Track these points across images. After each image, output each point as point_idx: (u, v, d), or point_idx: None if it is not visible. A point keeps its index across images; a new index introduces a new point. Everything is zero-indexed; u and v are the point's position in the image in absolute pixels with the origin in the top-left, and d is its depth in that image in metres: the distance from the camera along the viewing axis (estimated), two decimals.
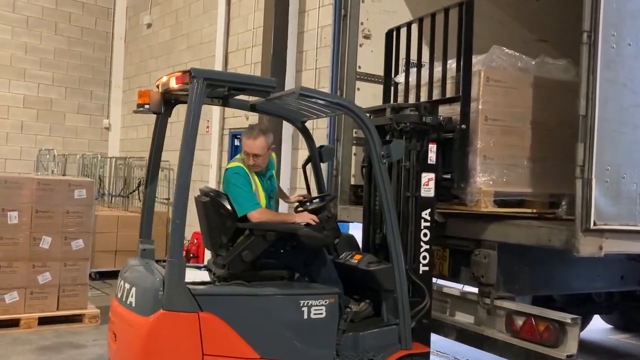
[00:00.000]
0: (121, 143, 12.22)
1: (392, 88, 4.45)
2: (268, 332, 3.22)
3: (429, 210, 3.65)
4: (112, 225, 8.26)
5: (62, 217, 5.76)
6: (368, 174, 3.94)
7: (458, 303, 3.99)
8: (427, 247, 3.65)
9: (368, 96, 5.03)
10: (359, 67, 4.92)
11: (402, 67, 4.42)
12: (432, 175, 3.67)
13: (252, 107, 3.85)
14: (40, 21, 11.89)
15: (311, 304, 3.29)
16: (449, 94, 3.85)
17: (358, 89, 4.93)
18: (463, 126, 3.67)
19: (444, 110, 3.82)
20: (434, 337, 3.80)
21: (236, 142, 8.94)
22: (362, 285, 3.69)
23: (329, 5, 6.91)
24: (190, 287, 3.12)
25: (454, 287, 4.12)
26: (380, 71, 4.78)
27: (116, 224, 8.30)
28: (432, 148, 3.68)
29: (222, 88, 3.40)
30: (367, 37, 4.93)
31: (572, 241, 3.18)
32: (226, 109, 8.90)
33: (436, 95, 3.98)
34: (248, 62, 8.64)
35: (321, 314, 3.31)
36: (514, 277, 3.75)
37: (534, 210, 3.86)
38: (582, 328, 4.48)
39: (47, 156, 10.72)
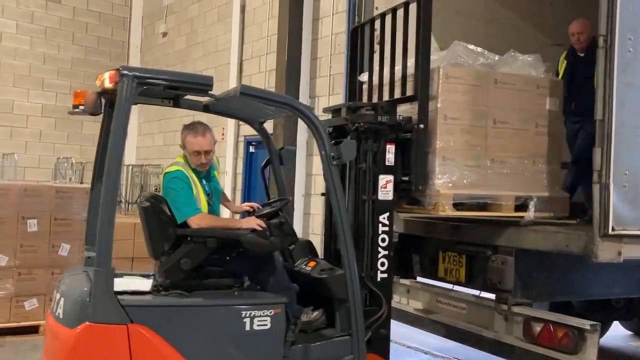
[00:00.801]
0: (137, 151, 12.34)
1: (358, 87, 4.27)
2: (207, 345, 3.03)
3: (387, 214, 3.50)
4: (129, 232, 8.29)
5: (80, 225, 5.80)
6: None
7: (474, 309, 3.96)
8: (386, 252, 3.49)
9: None
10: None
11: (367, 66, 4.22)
12: (390, 178, 3.50)
13: (206, 108, 3.64)
14: (58, 31, 12.07)
15: (254, 314, 3.09)
16: (410, 92, 3.69)
17: None
18: (421, 126, 3.50)
19: (405, 110, 3.66)
20: (453, 344, 3.77)
21: (251, 149, 8.99)
22: (316, 293, 3.52)
23: (342, 12, 6.94)
24: (121, 297, 2.93)
25: (470, 293, 4.09)
26: None
27: (133, 231, 8.34)
28: (390, 149, 3.52)
29: (155, 87, 3.17)
30: (380, 44, 4.93)
31: (590, 247, 3.15)
32: None
33: (398, 95, 3.81)
34: (263, 69, 8.69)
35: (266, 325, 3.11)
36: (532, 283, 3.70)
37: (500, 214, 3.70)
38: (602, 334, 4.42)
39: (65, 164, 10.86)
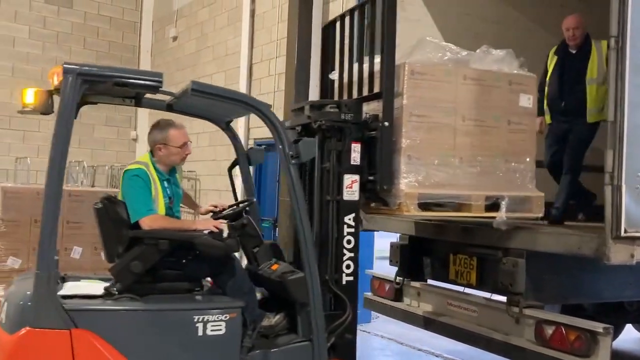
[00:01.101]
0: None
1: (329, 86, 4.17)
2: (157, 351, 2.94)
3: (352, 215, 3.41)
4: None
5: (92, 228, 5.85)
6: (302, 179, 3.64)
7: (485, 312, 3.94)
8: (352, 255, 3.41)
9: None
10: None
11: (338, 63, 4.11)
12: (355, 177, 3.41)
13: (169, 107, 3.54)
14: (69, 36, 12.18)
15: (207, 319, 2.99)
16: (377, 90, 3.58)
17: None
18: (386, 123, 3.38)
19: (373, 108, 3.56)
20: (464, 347, 3.75)
21: None
22: (279, 297, 3.45)
23: None
24: (66, 301, 2.83)
25: (481, 296, 4.08)
26: None
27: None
28: (356, 148, 3.42)
29: (101, 84, 3.07)
30: None
31: (602, 249, 3.13)
32: (251, 119, 8.98)
33: (366, 93, 3.71)
34: (272, 72, 8.71)
35: (220, 330, 3.02)
36: (543, 285, 3.69)
37: (470, 214, 3.62)
38: (614, 337, 4.39)
39: (77, 168, 10.93)
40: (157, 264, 3.17)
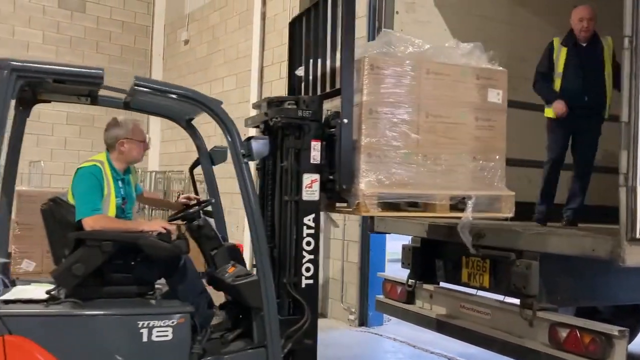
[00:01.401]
0: (160, 157, 12.47)
1: (297, 83, 4.03)
2: (98, 358, 2.87)
3: (312, 215, 3.28)
4: None
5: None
6: (262, 178, 3.60)
7: (499, 314, 3.92)
8: (312, 257, 3.29)
9: None
10: None
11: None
12: (315, 177, 3.28)
13: (126, 105, 3.45)
14: (82, 41, 12.27)
15: (153, 325, 2.90)
16: (338, 86, 3.44)
17: None
18: (345, 120, 3.24)
19: (336, 105, 3.42)
20: (477, 350, 3.73)
21: None
22: (236, 301, 3.37)
23: (363, 17, 6.93)
24: (2, 307, 2.77)
25: (494, 299, 4.05)
26: None
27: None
28: (316, 146, 3.29)
29: (39, 80, 2.96)
30: None
31: (617, 251, 3.10)
32: None
33: (328, 89, 3.59)
34: (283, 75, 8.71)
35: (167, 336, 2.92)
36: (557, 287, 3.66)
37: (434, 215, 3.54)
38: (630, 340, 4.34)
39: None
40: (103, 266, 3.06)
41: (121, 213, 3.37)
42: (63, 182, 11.69)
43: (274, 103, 3.37)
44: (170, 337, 2.94)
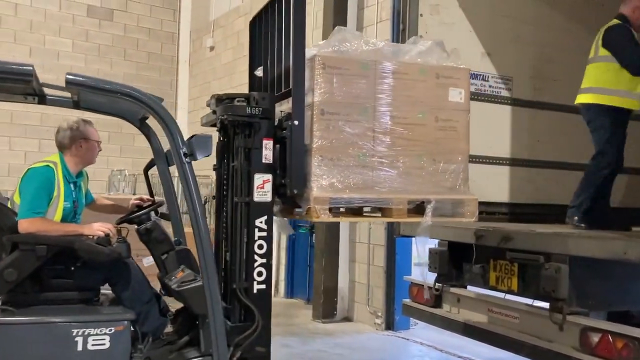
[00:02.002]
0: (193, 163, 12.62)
1: (256, 83, 3.87)
2: None
3: (264, 217, 3.13)
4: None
5: (134, 234, 5.98)
6: (218, 179, 3.46)
7: (528, 318, 3.86)
8: (264, 261, 3.13)
9: None
10: None
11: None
12: (268, 177, 3.13)
13: (76, 105, 3.32)
14: (110, 48, 12.50)
15: (88, 333, 2.80)
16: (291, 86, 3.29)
17: None
18: (295, 122, 3.08)
19: (290, 106, 3.25)
20: (506, 354, 3.68)
21: None
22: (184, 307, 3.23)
23: (387, 20, 6.92)
24: None
25: (523, 302, 4.00)
26: None
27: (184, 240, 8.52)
28: (268, 145, 3.14)
29: None
30: None
31: None
32: None
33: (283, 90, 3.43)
34: None
35: (103, 344, 2.82)
36: (587, 291, 3.59)
37: (390, 219, 3.43)
38: None
39: (119, 176, 11.20)
40: (42, 271, 2.96)
41: (72, 218, 3.27)
42: (93, 187, 11.89)
43: (223, 100, 3.21)
44: (107, 345, 2.84)
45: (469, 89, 3.56)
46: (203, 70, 12.47)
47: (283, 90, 3.32)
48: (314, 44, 3.51)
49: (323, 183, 3.17)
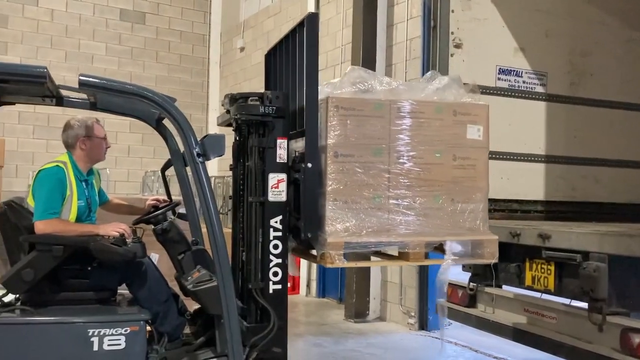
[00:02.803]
0: (219, 162, 12.75)
1: None
2: None
3: (279, 217, 3.09)
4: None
5: (149, 234, 6.04)
6: (234, 179, 3.44)
7: (565, 319, 3.78)
8: (279, 261, 3.10)
9: None
10: None
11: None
12: (282, 176, 3.10)
13: (93, 106, 3.32)
14: (143, 51, 12.71)
15: (104, 333, 2.80)
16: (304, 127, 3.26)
17: None
18: (309, 165, 3.06)
19: (303, 145, 3.21)
20: (543, 355, 3.61)
21: None
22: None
23: (417, 17, 6.87)
24: None
25: (560, 302, 3.92)
26: (473, 79, 4.66)
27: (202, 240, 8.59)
28: (282, 144, 3.11)
29: None
30: (458, 46, 4.85)
31: None
32: None
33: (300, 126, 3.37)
34: (337, 78, 8.74)
35: (119, 344, 2.82)
36: (628, 291, 3.50)
37: (408, 263, 3.33)
38: None
39: (152, 177, 11.36)
40: (59, 272, 2.98)
41: (86, 217, 3.28)
42: (127, 188, 12.13)
43: (237, 100, 3.19)
44: (122, 346, 2.85)
45: (488, 125, 3.46)
46: (233, 71, 12.57)
47: (297, 129, 3.29)
48: (328, 83, 3.43)
49: (337, 227, 3.11)
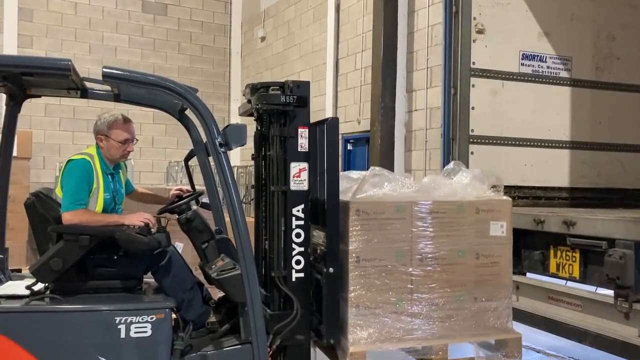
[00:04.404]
0: (241, 152, 12.83)
1: None
2: (74, 354, 2.82)
3: (301, 206, 3.10)
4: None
5: (174, 224, 6.09)
6: (256, 168, 3.46)
7: (591, 306, 3.74)
8: (302, 249, 3.10)
9: (484, 92, 4.90)
10: (473, 63, 4.80)
11: None
12: (304, 165, 3.10)
13: (117, 97, 3.33)
14: (165, 42, 12.79)
15: (131, 320, 2.85)
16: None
17: (473, 85, 4.82)
18: (330, 270, 3.08)
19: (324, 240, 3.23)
20: (567, 343, 3.58)
21: (349, 147, 9.05)
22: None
23: (439, 3, 6.79)
24: None
25: (586, 290, 3.88)
26: (497, 65, 4.62)
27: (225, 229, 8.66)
28: (303, 133, 3.10)
29: (7, 74, 2.92)
30: (480, 32, 4.80)
31: None
32: (338, 114, 9.03)
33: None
34: (358, 66, 8.71)
35: (145, 332, 2.87)
36: None
37: None
38: None
39: (176, 168, 11.47)
40: (86, 261, 3.04)
41: (112, 208, 3.32)
42: (151, 178, 12.27)
43: (258, 89, 3.18)
44: (149, 333, 2.89)
45: (511, 221, 3.43)
46: (255, 61, 12.59)
47: (318, 223, 3.31)
48: (348, 178, 3.40)
49: (359, 334, 3.11)
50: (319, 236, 3.35)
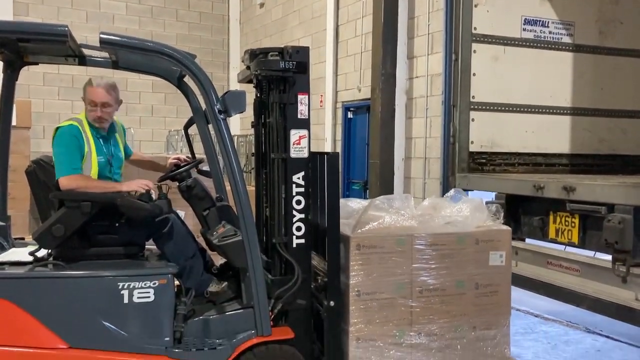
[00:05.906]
0: (241, 121, 12.78)
1: None
2: (78, 319, 2.85)
3: (302, 173, 3.12)
4: None
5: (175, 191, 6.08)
6: (256, 136, 3.46)
7: (589, 271, 3.79)
8: (302, 216, 3.13)
9: (486, 58, 4.87)
10: (475, 28, 4.75)
11: None
12: (304, 132, 3.10)
13: (115, 65, 3.29)
14: (162, 10, 12.61)
15: (133, 286, 2.88)
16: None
17: (474, 51, 4.78)
18: (331, 303, 3.09)
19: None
20: (565, 307, 3.64)
21: (349, 115, 9.01)
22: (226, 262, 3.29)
23: None
24: None
25: (584, 255, 3.92)
26: (498, 31, 4.56)
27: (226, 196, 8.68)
28: (303, 100, 3.09)
29: (4, 40, 2.90)
30: None
31: None
32: (338, 81, 8.97)
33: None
34: (359, 33, 8.60)
35: (148, 297, 2.90)
36: None
37: None
38: None
39: (176, 137, 11.45)
40: (88, 227, 3.05)
41: (107, 172, 3.29)
42: (152, 147, 12.25)
43: (257, 55, 3.15)
44: (152, 298, 2.93)
45: (510, 250, 3.45)
46: (254, 28, 12.44)
47: (318, 251, 3.33)
48: (349, 226, 3.33)
49: None
50: (318, 263, 3.36)
